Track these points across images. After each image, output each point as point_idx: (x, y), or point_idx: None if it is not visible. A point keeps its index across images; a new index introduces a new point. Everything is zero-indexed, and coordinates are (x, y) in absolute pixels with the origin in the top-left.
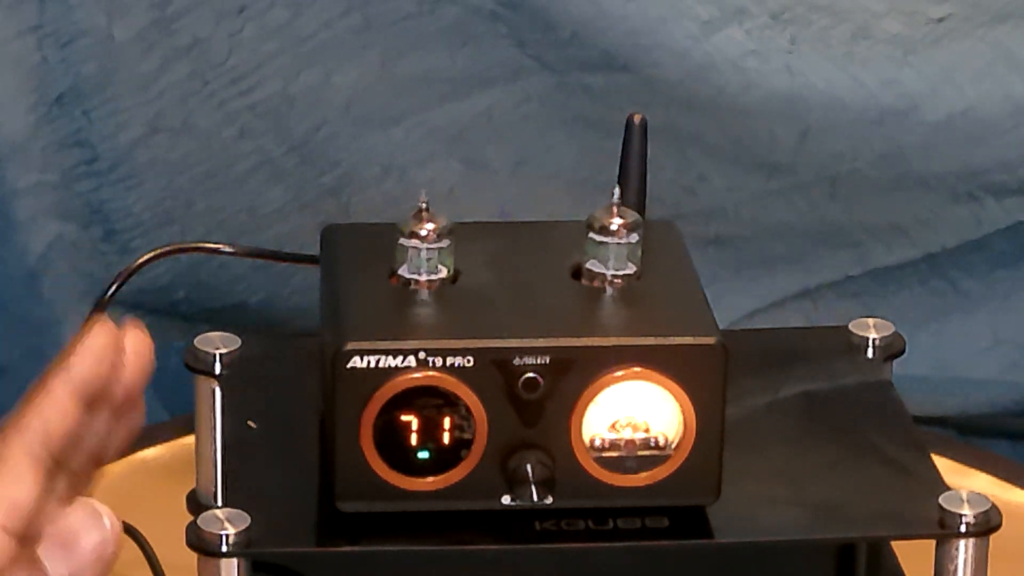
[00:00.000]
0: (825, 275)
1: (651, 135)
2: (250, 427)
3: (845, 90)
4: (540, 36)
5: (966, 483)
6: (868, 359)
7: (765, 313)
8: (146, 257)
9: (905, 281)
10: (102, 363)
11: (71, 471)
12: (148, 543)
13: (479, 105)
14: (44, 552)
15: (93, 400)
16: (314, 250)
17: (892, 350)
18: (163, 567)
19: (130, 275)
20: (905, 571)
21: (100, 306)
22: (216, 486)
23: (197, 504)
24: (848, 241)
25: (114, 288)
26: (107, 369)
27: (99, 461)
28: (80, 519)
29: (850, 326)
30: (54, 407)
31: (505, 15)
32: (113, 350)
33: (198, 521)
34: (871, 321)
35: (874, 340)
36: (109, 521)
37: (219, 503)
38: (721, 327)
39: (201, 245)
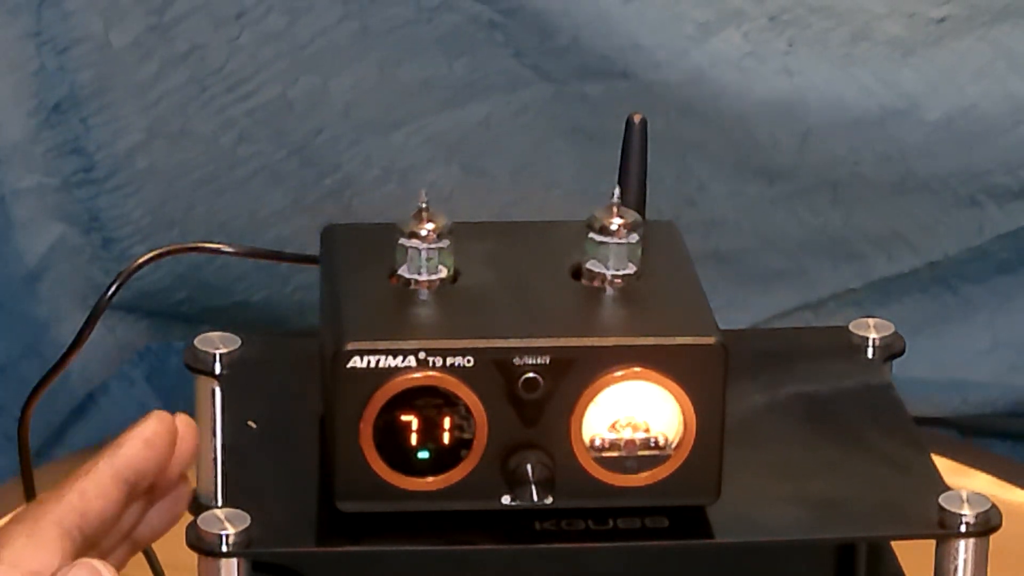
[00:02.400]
0: (826, 288)
1: (650, 144)
2: (250, 427)
3: (845, 91)
4: (538, 44)
5: (966, 483)
6: (868, 359)
7: (766, 326)
8: (146, 257)
9: (906, 288)
10: (151, 450)
11: (101, 550)
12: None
13: (477, 114)
14: None
15: (137, 486)
16: (315, 253)
17: (892, 350)
18: (163, 567)
19: (130, 275)
20: (905, 571)
21: (100, 307)
22: (216, 486)
23: (197, 504)
24: (850, 252)
25: (114, 289)
26: (156, 457)
27: (135, 544)
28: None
29: (850, 326)
30: (96, 487)
31: (503, 23)
32: (166, 440)
33: (198, 521)
34: (871, 321)
35: (874, 340)
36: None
37: (219, 503)
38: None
39: (201, 245)
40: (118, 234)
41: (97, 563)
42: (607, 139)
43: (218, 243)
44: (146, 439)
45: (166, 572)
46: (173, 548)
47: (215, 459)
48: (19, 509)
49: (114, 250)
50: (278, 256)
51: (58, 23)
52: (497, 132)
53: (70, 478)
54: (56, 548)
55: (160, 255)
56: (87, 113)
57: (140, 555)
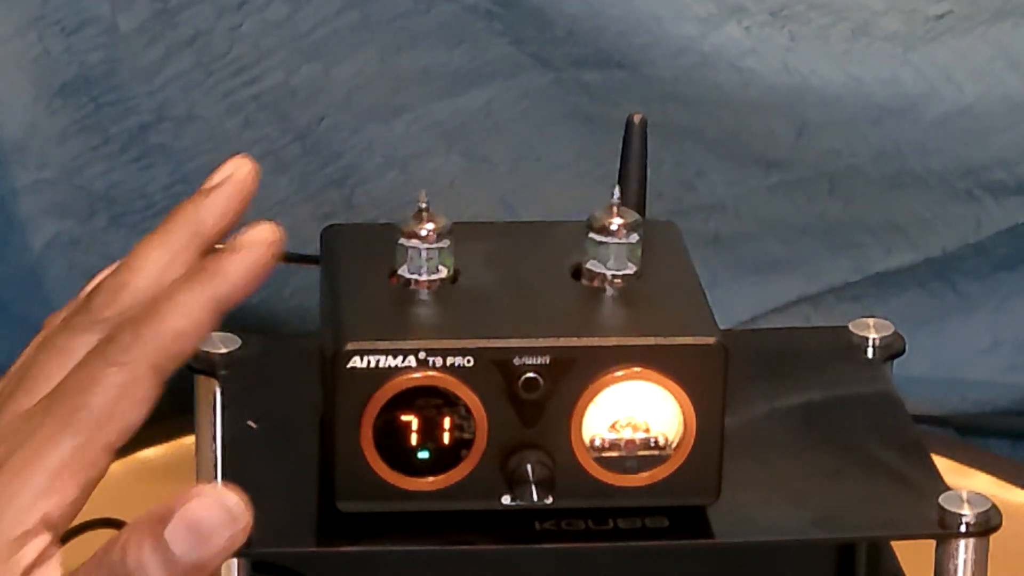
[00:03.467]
0: (825, 281)
1: (649, 131)
2: (250, 427)
3: (844, 88)
4: (536, 34)
5: (966, 483)
6: (868, 359)
7: (764, 319)
8: None
9: (905, 284)
10: (255, 283)
11: None
12: None
13: (477, 101)
14: (171, 535)
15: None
16: (317, 245)
17: (892, 350)
18: None
19: None
20: (905, 571)
21: None
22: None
23: None
24: (848, 242)
25: None
26: (256, 286)
27: None
28: (210, 510)
29: (850, 326)
30: (194, 328)
31: (500, 13)
32: (269, 267)
33: None
34: (871, 321)
35: (874, 340)
36: (239, 511)
37: None
38: (715, 319)
39: None
40: (131, 207)
41: (223, 494)
42: (608, 125)
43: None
44: (253, 272)
45: None
46: None
47: (215, 459)
48: (90, 311)
49: (124, 226)
50: (280, 255)
51: (65, 6)
52: (498, 119)
53: (160, 296)
54: (151, 398)
55: None
56: (97, 92)
57: None
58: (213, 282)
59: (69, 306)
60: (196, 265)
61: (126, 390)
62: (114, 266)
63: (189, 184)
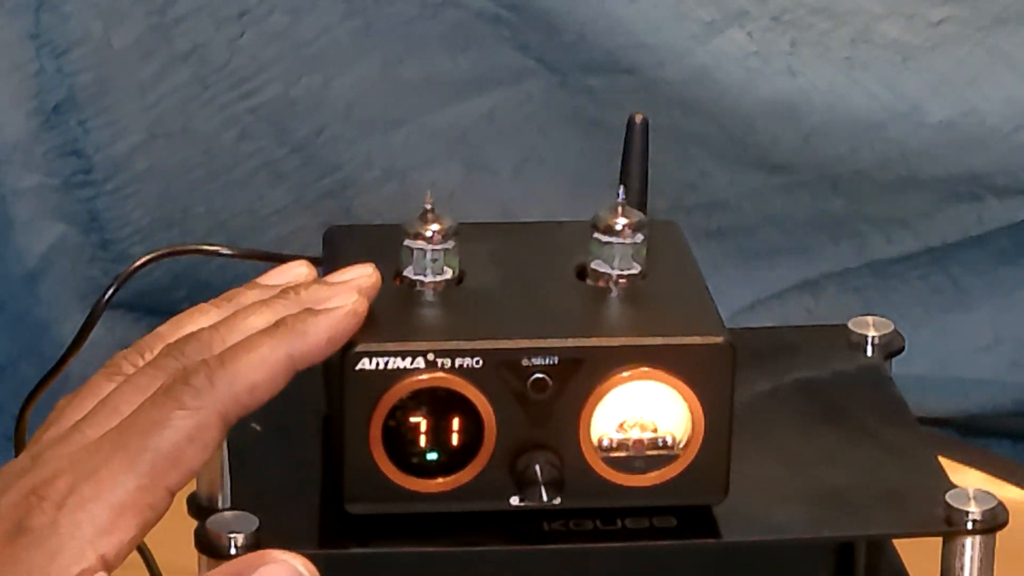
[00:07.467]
0: (825, 266)
1: (652, 135)
2: (254, 429)
3: (846, 93)
4: (543, 39)
5: (965, 482)
6: (868, 357)
7: (765, 305)
8: (144, 259)
9: (905, 276)
10: (332, 348)
11: None
12: (146, 545)
13: (481, 107)
14: None
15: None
16: (315, 252)
17: (891, 348)
18: (161, 569)
19: (127, 277)
20: (907, 571)
21: (98, 309)
22: (218, 488)
23: (198, 507)
24: (849, 231)
25: (112, 291)
26: (332, 352)
27: None
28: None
29: (849, 324)
30: (268, 382)
31: (507, 18)
32: (347, 337)
33: (207, 524)
34: (870, 319)
35: (873, 338)
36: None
37: (227, 506)
38: (722, 318)
39: (200, 248)
40: (117, 235)
41: (299, 563)
42: (611, 130)
43: (217, 245)
44: (333, 339)
45: (164, 575)
46: (172, 549)
47: (220, 461)
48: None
49: (113, 250)
50: (278, 258)
51: (56, 26)
52: (501, 125)
53: (240, 345)
54: (215, 446)
55: (159, 257)
56: (85, 116)
57: (138, 558)
58: (293, 340)
59: (153, 341)
60: (278, 319)
61: (193, 435)
62: (203, 309)
63: (180, 201)
